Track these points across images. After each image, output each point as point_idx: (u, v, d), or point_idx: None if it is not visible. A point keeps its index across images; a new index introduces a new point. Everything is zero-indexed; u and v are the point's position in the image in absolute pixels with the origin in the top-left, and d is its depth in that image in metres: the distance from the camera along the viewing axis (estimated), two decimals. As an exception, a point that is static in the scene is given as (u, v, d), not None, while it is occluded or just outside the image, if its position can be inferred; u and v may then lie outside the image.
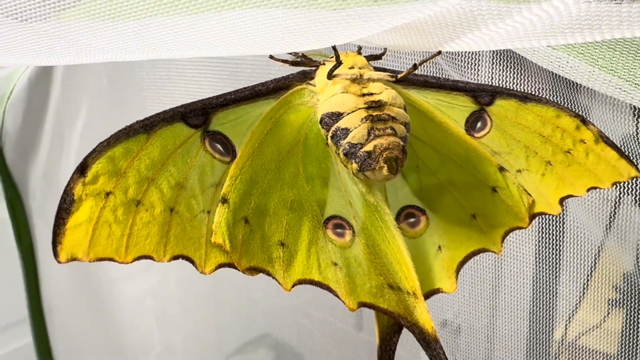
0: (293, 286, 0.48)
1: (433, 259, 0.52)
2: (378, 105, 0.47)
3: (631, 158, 0.54)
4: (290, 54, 0.51)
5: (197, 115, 0.46)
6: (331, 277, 0.48)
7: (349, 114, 0.46)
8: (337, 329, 1.25)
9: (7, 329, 1.28)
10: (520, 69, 0.73)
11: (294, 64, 0.51)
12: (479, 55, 0.74)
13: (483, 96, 0.53)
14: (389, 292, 0.49)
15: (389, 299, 0.49)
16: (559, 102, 0.65)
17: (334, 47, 0.47)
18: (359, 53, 0.52)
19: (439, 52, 0.50)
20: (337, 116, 0.47)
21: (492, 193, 0.52)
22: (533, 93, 0.58)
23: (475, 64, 0.75)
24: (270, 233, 0.47)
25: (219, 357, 1.49)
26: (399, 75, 0.49)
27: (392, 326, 0.53)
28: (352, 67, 0.48)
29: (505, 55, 0.73)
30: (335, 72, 0.48)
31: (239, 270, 0.46)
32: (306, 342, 1.40)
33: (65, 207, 0.40)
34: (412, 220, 0.52)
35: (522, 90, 0.71)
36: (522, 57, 0.67)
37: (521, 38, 0.45)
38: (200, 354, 1.47)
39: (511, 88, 0.72)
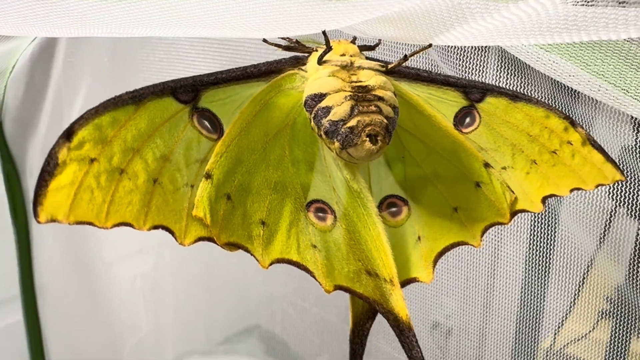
0: (270, 264, 0.49)
1: (412, 248, 0.53)
2: (365, 89, 0.47)
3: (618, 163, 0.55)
4: (284, 39, 0.52)
5: (187, 91, 0.47)
6: (309, 258, 0.49)
7: (331, 94, 0.47)
8: (329, 323, 1.26)
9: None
10: (524, 76, 0.74)
11: (286, 48, 0.52)
12: (485, 61, 0.75)
13: (473, 92, 0.54)
14: (366, 277, 0.50)
15: (366, 285, 0.50)
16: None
17: (324, 32, 0.48)
18: (353, 43, 0.53)
19: (430, 45, 0.51)
20: (320, 97, 0.47)
21: (475, 188, 0.53)
22: (524, 93, 0.59)
23: (482, 70, 0.75)
24: (251, 211, 0.48)
25: (208, 344, 1.50)
26: (390, 66, 0.50)
27: (367, 312, 0.54)
28: (343, 55, 0.49)
29: (511, 61, 0.74)
30: (325, 58, 0.49)
31: (217, 244, 0.47)
32: (297, 335, 1.41)
33: (49, 170, 0.41)
34: (394, 209, 0.53)
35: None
36: (528, 65, 0.68)
37: (510, 35, 0.46)
38: (188, 340, 1.48)
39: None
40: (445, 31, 0.46)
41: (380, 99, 0.48)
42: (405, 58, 0.50)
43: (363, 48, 0.52)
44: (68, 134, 0.42)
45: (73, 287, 1.28)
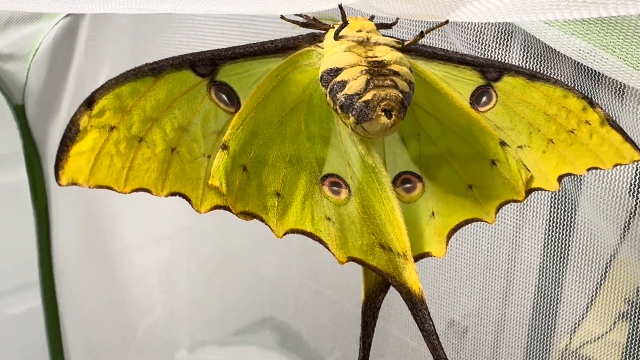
0: (285, 234, 0.50)
1: (425, 224, 0.54)
2: (381, 64, 0.48)
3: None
4: (301, 16, 0.53)
5: (205, 64, 0.48)
6: (323, 230, 0.50)
7: (347, 68, 0.48)
8: (346, 313, 1.26)
9: (18, 291, 1.32)
10: (550, 61, 0.74)
11: (304, 25, 0.53)
12: (509, 46, 0.75)
13: (491, 72, 0.54)
14: (379, 251, 0.51)
15: (379, 258, 0.51)
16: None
17: (340, 6, 0.49)
18: (370, 21, 0.53)
19: (447, 22, 0.52)
20: (336, 72, 0.49)
21: (490, 166, 0.54)
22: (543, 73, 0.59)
23: (506, 55, 0.76)
24: (267, 183, 0.50)
25: (222, 335, 1.52)
26: (406, 42, 0.51)
27: (379, 285, 0.55)
28: (360, 31, 0.50)
29: (536, 46, 0.74)
30: (342, 34, 0.50)
31: (233, 213, 0.48)
32: (312, 327, 1.42)
33: (70, 136, 0.43)
34: (408, 185, 0.54)
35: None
36: (554, 50, 0.68)
37: (527, 10, 0.46)
38: (203, 330, 1.50)
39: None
40: (461, 6, 0.47)
41: (396, 73, 0.48)
42: (422, 34, 0.51)
43: (380, 26, 0.53)
44: (89, 102, 0.44)
45: (90, 273, 1.30)
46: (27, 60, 1.04)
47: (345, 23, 0.49)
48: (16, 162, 1.14)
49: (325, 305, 1.31)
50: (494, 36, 0.73)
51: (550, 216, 0.88)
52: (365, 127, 0.49)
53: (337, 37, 0.50)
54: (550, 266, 0.91)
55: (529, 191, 0.54)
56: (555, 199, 0.87)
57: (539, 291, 0.95)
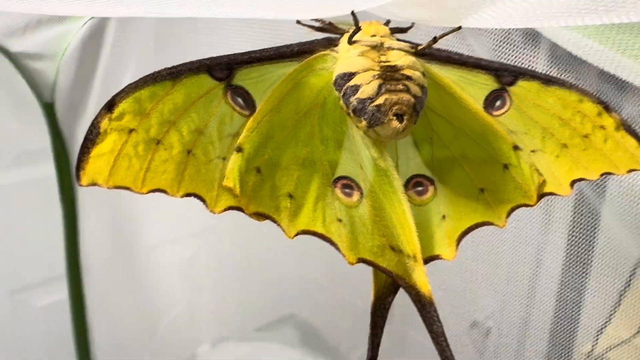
0: (296, 235, 0.52)
1: (436, 227, 0.55)
2: (394, 69, 0.49)
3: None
4: (317, 20, 0.54)
5: (222, 69, 0.50)
6: (334, 231, 0.52)
7: (360, 73, 0.49)
8: (367, 312, 1.27)
9: (47, 283, 1.36)
10: (574, 67, 0.74)
11: (319, 30, 0.54)
12: (535, 51, 0.75)
13: (505, 76, 0.55)
14: (390, 252, 0.52)
15: (389, 259, 0.52)
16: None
17: (352, 13, 0.50)
18: (386, 25, 0.54)
19: (460, 27, 0.53)
20: (349, 76, 0.50)
21: (503, 170, 0.55)
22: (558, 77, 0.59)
23: (531, 61, 0.75)
24: (280, 184, 0.51)
25: (244, 331, 1.54)
26: (420, 47, 0.52)
27: (389, 286, 0.56)
28: (374, 35, 0.51)
29: (561, 55, 0.73)
30: (356, 39, 0.51)
31: (245, 213, 0.50)
32: (333, 326, 1.43)
33: (91, 138, 0.45)
34: (420, 188, 0.55)
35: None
36: (580, 59, 0.68)
37: (538, 17, 0.47)
38: (224, 325, 1.52)
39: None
40: (473, 12, 0.48)
41: (409, 78, 0.49)
42: (435, 40, 0.52)
43: (395, 30, 0.54)
44: (110, 106, 0.46)
45: (116, 268, 1.33)
46: (57, 59, 1.07)
47: (358, 28, 0.50)
48: (44, 158, 1.18)
49: (346, 304, 1.32)
50: (519, 41, 0.73)
51: (574, 219, 0.88)
52: (377, 131, 0.50)
53: (350, 41, 0.51)
54: (573, 269, 0.91)
55: (541, 196, 0.55)
56: (579, 201, 0.87)
57: (561, 294, 0.95)
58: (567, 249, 0.91)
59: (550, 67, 0.72)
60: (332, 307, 1.39)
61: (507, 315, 1.05)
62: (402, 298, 0.56)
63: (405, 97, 0.49)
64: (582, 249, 0.88)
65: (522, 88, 0.55)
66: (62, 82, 1.08)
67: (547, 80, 0.55)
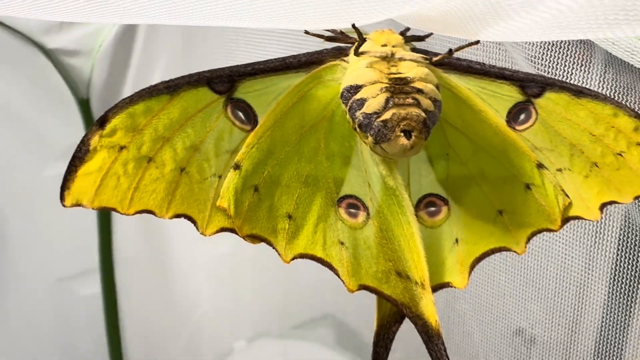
0: (293, 259, 0.49)
1: (448, 251, 0.52)
2: (403, 82, 0.46)
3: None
4: (328, 30, 0.52)
5: (223, 81, 0.48)
6: (335, 255, 0.49)
7: (367, 86, 0.46)
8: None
9: (89, 273, 1.39)
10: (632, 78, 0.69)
11: (329, 39, 0.51)
12: (590, 63, 0.70)
13: (532, 87, 0.51)
14: (395, 279, 0.49)
15: (395, 286, 0.49)
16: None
17: (353, 25, 0.47)
18: (403, 34, 0.51)
19: (478, 41, 0.49)
20: (356, 89, 0.47)
21: (525, 190, 0.51)
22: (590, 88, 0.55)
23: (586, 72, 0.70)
24: (279, 204, 0.49)
25: (282, 328, 1.54)
26: (435, 59, 0.49)
27: (394, 315, 0.53)
28: (385, 45, 0.48)
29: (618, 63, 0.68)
30: (366, 49, 0.48)
31: (239, 235, 0.48)
32: (370, 327, 1.41)
33: (80, 156, 0.44)
34: (432, 209, 0.52)
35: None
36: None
37: (567, 28, 0.43)
38: (263, 322, 1.52)
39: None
40: (494, 24, 0.44)
41: (419, 91, 0.46)
42: (451, 52, 0.48)
43: (412, 38, 0.51)
44: (102, 122, 0.45)
45: (151, 261, 1.35)
46: (91, 56, 1.09)
47: (362, 41, 0.48)
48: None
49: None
50: (571, 53, 0.68)
51: (623, 230, 0.84)
52: (384, 148, 0.47)
53: (357, 53, 0.48)
54: (623, 278, 0.87)
55: (565, 220, 0.51)
56: (630, 211, 0.82)
57: (610, 305, 0.91)
58: (617, 257, 0.86)
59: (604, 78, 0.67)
60: (369, 308, 1.37)
61: (554, 323, 1.01)
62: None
63: (415, 111, 0.46)
64: (631, 258, 0.83)
65: (549, 100, 0.51)
66: (97, 78, 1.10)
67: (578, 92, 0.50)
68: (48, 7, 0.56)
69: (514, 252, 0.52)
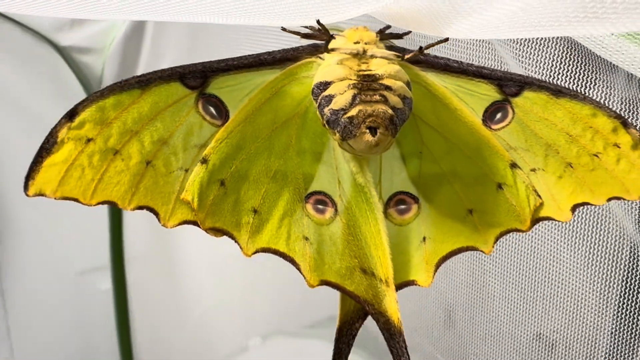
0: (254, 253, 0.50)
1: (415, 249, 0.52)
2: (372, 78, 0.47)
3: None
4: (306, 27, 0.52)
5: (196, 77, 0.48)
6: (298, 250, 0.50)
7: (336, 82, 0.47)
8: (427, 316, 1.23)
9: (92, 272, 1.42)
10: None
11: (305, 36, 0.52)
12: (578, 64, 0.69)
13: (510, 86, 0.51)
14: (360, 275, 0.49)
15: (358, 283, 0.49)
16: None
17: (318, 21, 0.48)
18: (382, 32, 0.51)
19: (447, 39, 0.49)
20: (325, 85, 0.47)
21: (496, 189, 0.51)
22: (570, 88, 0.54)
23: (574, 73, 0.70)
24: (245, 199, 0.49)
25: (296, 326, 1.54)
26: (407, 56, 0.49)
27: (357, 312, 0.53)
28: (357, 42, 0.49)
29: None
30: (338, 46, 0.49)
31: (201, 228, 0.49)
32: None
33: (47, 148, 0.45)
34: (402, 207, 0.52)
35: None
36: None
37: (527, 26, 0.43)
38: (277, 319, 1.53)
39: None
40: (451, 24, 0.44)
41: (388, 88, 0.46)
42: (421, 50, 0.48)
43: (390, 36, 0.51)
44: (71, 115, 0.45)
45: (160, 259, 1.37)
46: (103, 53, 1.11)
47: (329, 37, 0.48)
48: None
49: (404, 307, 1.30)
50: (558, 53, 0.67)
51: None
52: (351, 144, 0.47)
53: (327, 49, 0.48)
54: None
55: (535, 220, 0.50)
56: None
57: (629, 311, 0.89)
58: (635, 262, 0.85)
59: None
60: None
61: (575, 329, 1.00)
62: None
63: (382, 108, 0.46)
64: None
65: (527, 99, 0.50)
66: (108, 76, 1.13)
67: (557, 91, 0.50)
68: (60, 5, 0.58)
69: (482, 251, 0.51)
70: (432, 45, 0.49)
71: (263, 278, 1.47)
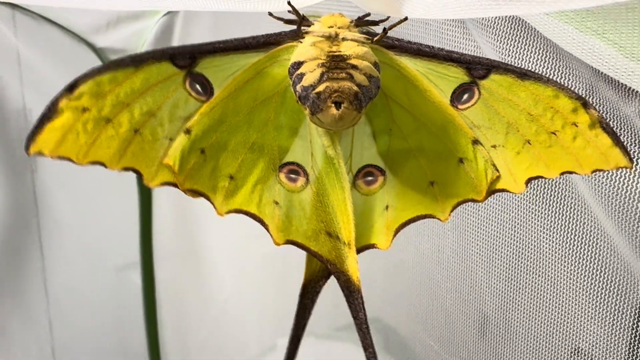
0: (227, 213, 0.56)
1: (378, 216, 0.57)
2: (340, 59, 0.52)
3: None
4: (292, 6, 0.58)
5: (185, 57, 0.55)
6: (268, 213, 0.56)
7: (307, 62, 0.53)
8: (459, 323, 1.25)
9: (124, 269, 1.51)
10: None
11: (287, 22, 0.58)
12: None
13: (478, 69, 0.55)
14: (325, 238, 0.55)
15: (323, 244, 0.55)
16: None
17: (289, 3, 0.54)
18: (361, 18, 0.57)
19: (406, 18, 0.54)
20: (299, 65, 0.53)
21: (457, 164, 0.56)
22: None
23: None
24: (223, 166, 0.56)
25: (327, 329, 1.58)
26: (375, 39, 0.55)
27: (321, 271, 0.59)
28: (331, 27, 0.54)
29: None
30: (312, 30, 0.55)
31: (179, 189, 0.55)
32: (419, 336, 1.43)
33: (48, 116, 0.51)
34: (370, 178, 0.58)
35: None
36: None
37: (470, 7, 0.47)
38: (310, 321, 1.57)
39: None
40: (404, 3, 0.49)
41: (354, 67, 0.52)
42: (385, 31, 0.54)
43: (367, 23, 0.57)
44: (71, 87, 0.52)
45: (189, 258, 1.44)
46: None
47: (301, 21, 0.54)
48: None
49: (436, 314, 1.31)
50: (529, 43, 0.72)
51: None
52: (319, 118, 0.53)
53: (299, 32, 0.54)
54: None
55: (491, 192, 0.55)
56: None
57: None
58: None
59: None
60: (418, 314, 1.39)
61: (615, 345, 1.00)
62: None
63: (347, 85, 0.52)
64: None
65: (493, 82, 0.55)
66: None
67: (522, 74, 0.54)
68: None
69: (438, 219, 0.56)
70: (394, 25, 0.55)
71: (293, 279, 1.51)
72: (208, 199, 0.56)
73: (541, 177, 0.54)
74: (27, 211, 1.36)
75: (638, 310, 0.92)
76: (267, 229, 0.57)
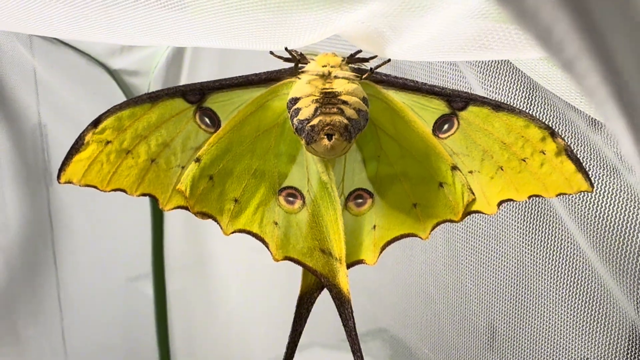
0: (232, 233, 0.64)
1: (366, 235, 0.65)
2: (332, 95, 0.60)
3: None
4: (290, 52, 0.66)
5: (195, 94, 0.63)
6: (268, 232, 0.64)
7: (303, 98, 0.60)
8: (469, 338, 1.28)
9: (136, 280, 1.58)
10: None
11: (287, 60, 0.66)
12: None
13: (457, 101, 0.63)
14: (319, 254, 0.63)
15: (317, 260, 0.63)
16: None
17: (286, 49, 0.62)
18: (352, 55, 0.65)
19: (389, 60, 0.62)
20: (295, 100, 0.61)
21: (438, 188, 0.63)
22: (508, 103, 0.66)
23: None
24: (229, 190, 0.64)
25: (333, 339, 1.63)
26: (363, 76, 0.62)
27: (316, 284, 0.67)
28: (325, 66, 0.62)
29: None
30: (308, 69, 0.63)
31: (190, 212, 0.63)
32: (430, 347, 1.47)
33: (76, 148, 0.60)
34: (360, 200, 0.65)
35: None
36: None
37: (445, 51, 0.55)
38: (314, 331, 1.63)
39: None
40: (389, 46, 0.57)
41: (345, 102, 0.60)
42: (372, 70, 0.62)
43: (357, 60, 0.65)
44: (96, 123, 0.60)
45: (199, 269, 1.52)
46: (149, 76, 1.29)
47: (298, 62, 0.62)
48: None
49: (446, 327, 1.35)
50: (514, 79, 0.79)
51: None
52: (313, 148, 0.61)
53: (296, 71, 0.62)
54: None
55: (467, 213, 0.63)
56: None
57: None
58: None
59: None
60: (425, 325, 1.43)
61: (619, 356, 1.03)
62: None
63: (338, 119, 0.60)
64: None
65: (471, 113, 0.62)
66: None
67: (497, 106, 0.62)
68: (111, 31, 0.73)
69: (419, 237, 0.64)
70: (379, 66, 0.62)
71: (296, 290, 1.56)
72: (215, 220, 0.64)
73: (511, 199, 0.62)
74: (42, 224, 1.44)
75: (631, 326, 0.97)
76: (268, 247, 0.65)
